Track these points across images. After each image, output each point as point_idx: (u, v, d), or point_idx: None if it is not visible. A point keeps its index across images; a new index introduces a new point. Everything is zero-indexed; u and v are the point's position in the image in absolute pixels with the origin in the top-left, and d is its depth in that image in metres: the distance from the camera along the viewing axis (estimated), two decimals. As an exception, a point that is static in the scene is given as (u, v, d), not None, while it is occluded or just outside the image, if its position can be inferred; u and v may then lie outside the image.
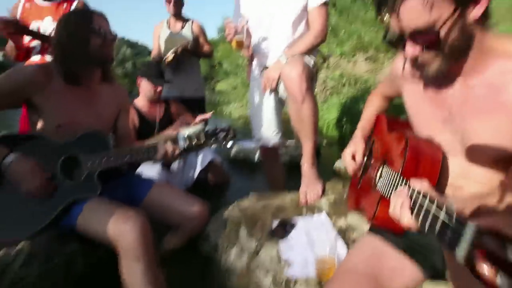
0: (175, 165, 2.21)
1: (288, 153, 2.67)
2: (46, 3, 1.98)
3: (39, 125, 1.27)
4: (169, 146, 1.31)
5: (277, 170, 2.06)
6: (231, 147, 1.55)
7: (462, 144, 0.78)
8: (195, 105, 2.94)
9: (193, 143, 1.39)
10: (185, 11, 2.95)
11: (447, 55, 0.71)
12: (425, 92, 0.86)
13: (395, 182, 0.82)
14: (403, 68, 0.84)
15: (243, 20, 1.64)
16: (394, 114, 1.23)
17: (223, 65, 11.93)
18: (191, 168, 2.25)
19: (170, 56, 2.67)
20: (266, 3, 1.68)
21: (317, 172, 1.61)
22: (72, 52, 1.24)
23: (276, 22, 1.69)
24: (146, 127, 2.17)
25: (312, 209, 1.39)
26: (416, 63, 0.75)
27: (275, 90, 1.71)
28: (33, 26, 1.94)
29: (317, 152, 1.92)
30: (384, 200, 0.87)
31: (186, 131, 2.25)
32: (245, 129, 5.46)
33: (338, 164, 2.31)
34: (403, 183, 0.78)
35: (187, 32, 2.90)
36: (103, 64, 1.33)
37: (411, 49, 0.71)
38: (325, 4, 1.66)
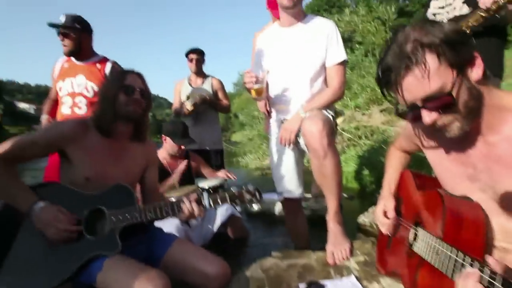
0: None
1: (309, 207, 2.60)
2: (81, 63, 2.18)
3: (70, 175, 1.30)
4: (195, 207, 1.29)
5: (301, 224, 1.99)
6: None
7: (497, 202, 0.75)
8: (214, 157, 3.00)
9: (218, 203, 1.37)
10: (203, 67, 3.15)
11: (465, 115, 0.73)
12: (447, 151, 0.85)
13: (436, 247, 0.76)
14: (419, 135, 0.87)
15: (263, 71, 1.71)
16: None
17: (238, 117, 12.37)
18: (210, 222, 2.20)
19: (190, 106, 2.80)
20: (286, 59, 1.76)
21: (344, 230, 1.54)
22: (103, 107, 1.32)
23: (295, 78, 1.75)
24: (163, 176, 2.19)
25: (340, 270, 1.30)
26: (435, 127, 0.76)
27: (292, 143, 1.71)
28: (67, 82, 2.13)
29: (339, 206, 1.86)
30: (425, 266, 0.81)
31: (205, 184, 2.27)
32: (262, 180, 5.43)
33: (362, 219, 2.21)
34: (454, 253, 0.71)
35: (207, 87, 3.06)
36: (131, 120, 1.36)
37: (428, 116, 0.73)
38: (342, 63, 1.73)
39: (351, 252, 1.42)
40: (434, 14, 1.99)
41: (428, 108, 0.72)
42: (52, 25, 2.10)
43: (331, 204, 1.54)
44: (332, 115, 1.71)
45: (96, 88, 2.14)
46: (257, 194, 1.41)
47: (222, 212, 2.22)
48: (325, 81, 1.78)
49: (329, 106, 1.75)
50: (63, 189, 1.25)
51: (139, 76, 1.39)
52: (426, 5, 2.11)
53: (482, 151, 0.77)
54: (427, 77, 0.69)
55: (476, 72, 0.72)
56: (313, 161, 1.52)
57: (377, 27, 5.52)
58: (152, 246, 1.39)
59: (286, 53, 1.76)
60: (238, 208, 2.33)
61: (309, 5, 18.65)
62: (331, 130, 1.56)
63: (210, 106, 2.95)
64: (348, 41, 6.74)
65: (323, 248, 1.50)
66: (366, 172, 3.62)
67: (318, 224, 2.41)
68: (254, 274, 1.34)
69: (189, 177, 2.36)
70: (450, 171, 0.85)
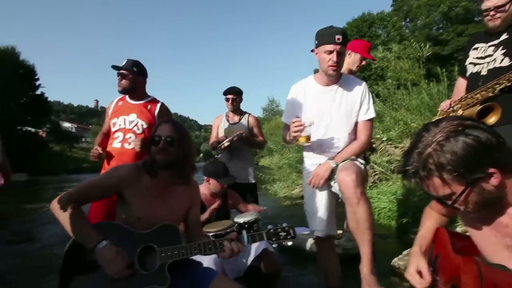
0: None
1: (341, 245, 2.60)
2: (134, 102, 2.41)
3: (123, 214, 1.46)
4: (235, 245, 1.39)
5: (333, 264, 2.02)
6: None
7: None
8: (247, 190, 3.10)
9: (256, 241, 1.47)
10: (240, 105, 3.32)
11: (475, 210, 0.84)
12: (484, 220, 0.90)
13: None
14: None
15: (311, 121, 1.86)
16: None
17: (267, 142, 12.51)
18: (244, 255, 2.26)
19: (226, 143, 2.96)
20: (328, 112, 1.93)
21: (377, 279, 1.56)
22: (147, 156, 1.50)
23: (332, 130, 1.92)
24: (203, 213, 2.31)
25: (376, 320, 1.32)
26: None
27: (320, 187, 1.89)
28: (120, 119, 2.35)
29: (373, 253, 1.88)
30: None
31: (241, 219, 2.37)
32: (292, 210, 5.44)
33: (397, 262, 2.18)
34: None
35: (244, 124, 3.22)
36: (165, 167, 1.47)
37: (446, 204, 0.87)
38: (371, 120, 1.92)
39: (386, 302, 1.43)
40: (474, 64, 2.02)
41: (443, 202, 0.85)
42: (115, 67, 2.37)
43: (364, 251, 1.59)
44: (363, 164, 1.80)
45: (145, 126, 2.34)
46: (291, 231, 1.50)
47: (256, 246, 2.29)
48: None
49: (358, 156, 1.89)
50: (119, 227, 1.40)
51: (173, 124, 1.50)
52: (465, 53, 2.12)
53: None
54: (435, 189, 0.83)
55: (491, 183, 0.80)
56: (348, 210, 1.61)
57: (410, 65, 5.54)
58: (195, 281, 1.48)
59: (325, 111, 1.93)
60: (272, 246, 2.39)
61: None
62: (363, 179, 1.68)
63: (246, 143, 3.09)
64: (381, 76, 6.80)
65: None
66: (399, 209, 3.55)
67: (350, 263, 2.41)
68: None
69: (225, 212, 2.49)
70: (488, 239, 0.89)
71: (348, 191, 1.56)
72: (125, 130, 2.33)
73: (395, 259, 2.22)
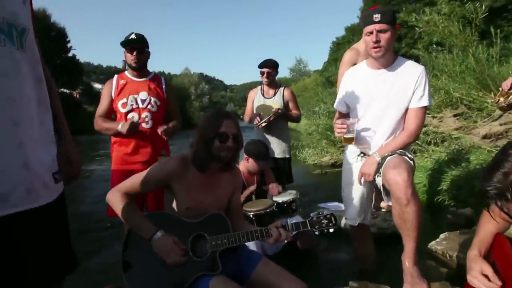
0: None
1: (376, 224, 2.63)
2: (140, 79, 2.30)
3: (173, 205, 1.56)
4: (283, 233, 1.46)
5: (368, 248, 2.08)
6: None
7: None
8: (282, 164, 3.16)
9: (300, 229, 1.54)
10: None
11: None
12: None
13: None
14: None
15: (354, 119, 1.82)
16: None
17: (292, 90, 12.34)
18: (282, 232, 2.38)
19: (263, 124, 2.97)
20: (374, 102, 1.84)
21: (420, 271, 1.59)
22: (200, 148, 1.51)
23: (382, 115, 1.83)
24: (242, 191, 2.40)
25: (417, 312, 1.38)
26: None
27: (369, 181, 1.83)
28: (131, 99, 2.24)
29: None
30: None
31: (280, 198, 2.44)
32: (322, 181, 5.48)
33: (434, 246, 2.19)
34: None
35: (279, 98, 3.19)
36: (222, 162, 1.53)
37: None
38: (424, 107, 1.77)
39: (429, 294, 1.48)
40: None
41: None
42: (128, 41, 2.23)
43: (409, 245, 1.60)
44: (412, 159, 1.73)
45: (158, 103, 2.27)
46: (333, 219, 1.57)
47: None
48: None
49: (405, 148, 1.80)
50: (170, 217, 1.49)
51: (233, 120, 1.54)
52: None
53: None
54: None
55: None
56: (394, 207, 1.58)
57: (461, 28, 5.02)
58: (241, 264, 1.59)
59: (374, 97, 1.84)
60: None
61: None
62: (413, 175, 1.62)
63: (282, 118, 3.08)
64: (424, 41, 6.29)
65: (389, 269, 1.57)
66: (435, 186, 3.47)
67: (385, 242, 2.46)
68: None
69: (263, 190, 2.57)
70: None
71: (398, 192, 1.53)
72: (140, 109, 2.24)
73: (432, 242, 2.22)
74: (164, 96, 2.34)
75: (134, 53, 2.22)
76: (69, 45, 32.07)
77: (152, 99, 2.27)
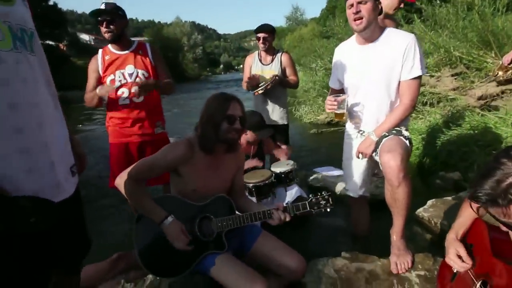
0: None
1: (369, 191, 2.77)
2: (123, 52, 2.24)
3: (179, 187, 1.63)
4: (283, 215, 1.57)
5: (363, 216, 2.23)
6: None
7: None
8: (280, 131, 3.23)
9: (300, 210, 1.65)
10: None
11: None
12: None
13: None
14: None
15: (344, 95, 1.82)
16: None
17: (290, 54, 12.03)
18: (280, 200, 2.52)
19: (260, 91, 2.97)
20: (363, 76, 1.84)
21: (406, 243, 1.74)
22: (206, 130, 1.56)
23: (372, 91, 1.84)
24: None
25: (402, 282, 1.55)
26: None
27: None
28: (119, 74, 2.21)
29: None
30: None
31: (278, 169, 2.54)
32: (318, 141, 5.59)
33: (422, 213, 2.36)
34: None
35: (276, 64, 3.15)
36: (233, 144, 1.61)
37: None
38: (417, 78, 1.75)
39: (413, 264, 1.64)
40: None
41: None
42: (96, 12, 2.13)
43: (397, 222, 1.73)
44: (408, 137, 1.78)
45: (146, 74, 2.23)
46: (330, 200, 1.67)
47: (291, 193, 2.52)
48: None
49: (403, 121, 1.83)
50: (178, 200, 1.59)
51: (239, 103, 1.58)
52: None
53: None
54: (507, 216, 0.85)
55: None
56: (387, 187, 1.68)
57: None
58: (243, 238, 1.73)
59: (363, 72, 1.84)
60: (305, 193, 2.60)
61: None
62: (408, 158, 1.68)
63: (279, 84, 3.07)
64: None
65: (379, 235, 1.73)
66: (428, 150, 3.59)
67: (378, 208, 2.62)
68: (326, 271, 1.65)
69: (261, 156, 2.67)
70: None
71: (390, 176, 1.60)
72: (128, 84, 2.22)
73: (420, 209, 2.38)
74: (152, 64, 2.28)
75: (104, 25, 2.13)
76: (48, -8, 29.80)
77: (139, 71, 2.23)
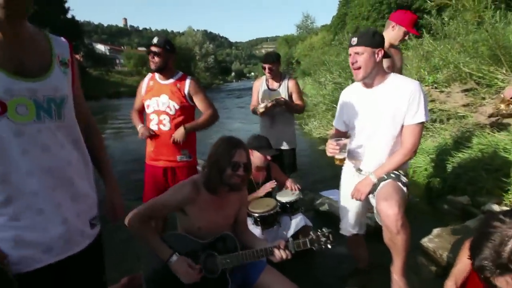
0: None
1: (372, 219, 2.79)
2: (164, 82, 2.44)
3: (185, 225, 1.72)
4: (284, 253, 1.62)
5: (362, 251, 2.24)
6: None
7: None
8: (287, 155, 3.27)
9: (301, 248, 1.69)
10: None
11: None
12: None
13: None
14: None
15: (346, 140, 1.88)
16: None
17: (300, 63, 12.05)
18: (285, 229, 2.56)
19: (261, 109, 3.04)
20: (370, 116, 1.88)
21: (407, 280, 1.77)
22: (211, 173, 1.64)
23: (376, 133, 1.88)
24: (248, 187, 2.54)
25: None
26: None
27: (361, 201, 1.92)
28: (153, 100, 2.42)
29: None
30: None
31: (283, 199, 2.58)
32: (327, 160, 5.55)
33: (426, 243, 2.35)
34: None
35: (283, 89, 3.22)
36: (232, 188, 1.67)
37: None
38: (420, 124, 1.79)
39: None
40: None
41: None
42: (148, 45, 2.39)
43: (397, 261, 1.75)
44: (406, 183, 1.82)
45: (177, 107, 2.40)
46: (331, 237, 1.70)
47: (297, 222, 2.55)
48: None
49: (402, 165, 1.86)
50: (184, 238, 1.67)
51: (245, 149, 1.66)
52: None
53: None
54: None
55: None
56: (385, 232, 1.72)
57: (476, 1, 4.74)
58: (247, 271, 1.78)
59: (367, 115, 1.88)
60: (310, 223, 2.63)
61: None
62: (405, 204, 1.72)
63: (285, 108, 3.13)
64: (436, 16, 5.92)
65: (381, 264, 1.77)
66: (436, 172, 3.57)
67: (381, 235, 2.63)
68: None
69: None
70: None
71: (389, 224, 1.63)
72: (159, 112, 2.40)
73: (425, 239, 2.37)
74: (186, 100, 2.43)
75: (151, 56, 2.37)
76: (66, 5, 30.98)
77: (171, 102, 2.39)
